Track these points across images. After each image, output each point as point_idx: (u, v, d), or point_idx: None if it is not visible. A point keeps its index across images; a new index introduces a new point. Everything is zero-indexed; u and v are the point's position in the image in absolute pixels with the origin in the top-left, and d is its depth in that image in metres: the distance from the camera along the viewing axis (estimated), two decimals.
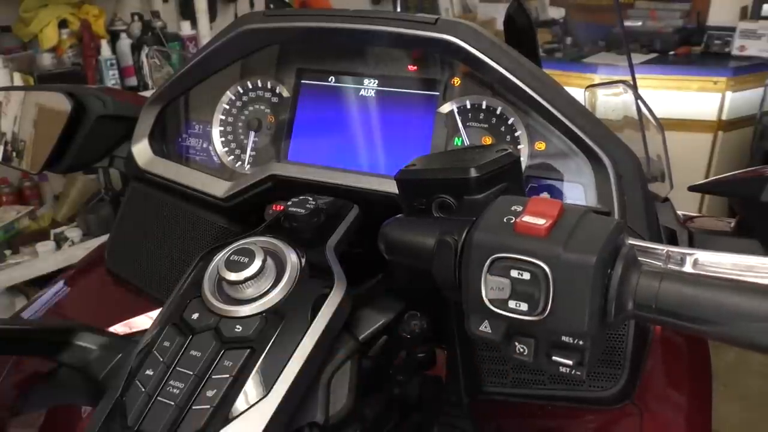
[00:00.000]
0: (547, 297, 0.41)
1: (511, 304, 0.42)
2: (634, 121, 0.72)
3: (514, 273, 0.42)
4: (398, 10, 3.08)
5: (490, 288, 0.43)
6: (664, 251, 0.45)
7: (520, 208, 0.44)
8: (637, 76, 2.94)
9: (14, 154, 0.90)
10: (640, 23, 3.49)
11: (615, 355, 0.63)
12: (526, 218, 0.43)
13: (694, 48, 3.42)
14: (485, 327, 0.45)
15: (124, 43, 2.81)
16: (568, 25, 3.61)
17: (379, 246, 0.54)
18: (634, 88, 0.71)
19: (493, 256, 0.43)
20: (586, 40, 3.48)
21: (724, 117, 2.99)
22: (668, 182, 0.71)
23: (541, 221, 0.42)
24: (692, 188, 0.71)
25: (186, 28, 3.04)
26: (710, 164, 3.04)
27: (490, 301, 0.43)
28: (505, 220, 0.44)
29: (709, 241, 0.67)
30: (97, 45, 2.68)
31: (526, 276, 0.42)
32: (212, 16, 3.15)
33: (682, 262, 0.44)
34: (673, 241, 0.68)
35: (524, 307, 0.42)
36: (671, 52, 3.33)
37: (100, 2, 2.79)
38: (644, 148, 0.70)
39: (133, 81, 2.83)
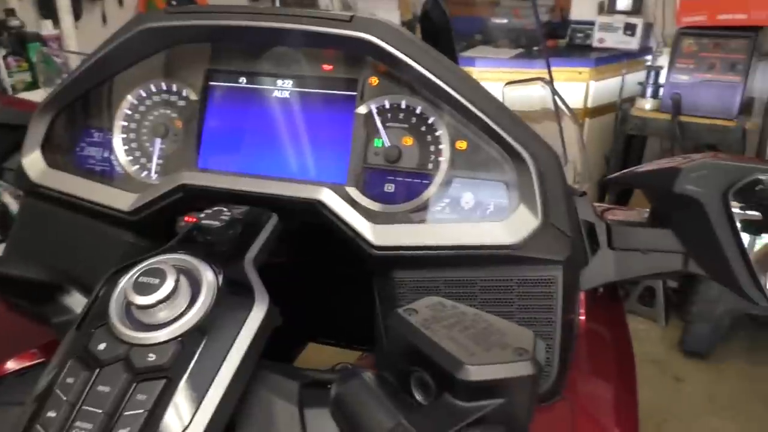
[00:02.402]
0: None
1: None
2: (550, 114, 0.73)
3: None
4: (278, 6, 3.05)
5: None
6: None
7: None
8: (507, 69, 3.09)
9: None
10: (506, 20, 3.68)
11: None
12: None
13: (560, 41, 3.69)
14: None
15: None
16: None
17: (332, 405, 0.49)
18: (551, 84, 0.73)
19: None
20: (464, 34, 3.62)
21: (589, 104, 3.22)
22: (586, 176, 0.73)
23: None
24: (607, 180, 0.74)
25: (47, 28, 2.83)
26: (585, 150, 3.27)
27: None
28: None
29: (627, 233, 0.70)
30: None
31: None
32: (77, 15, 2.97)
33: None
34: (592, 233, 0.70)
35: None
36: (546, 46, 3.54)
37: None
38: (562, 143, 0.72)
39: None
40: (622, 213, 0.74)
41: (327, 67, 0.71)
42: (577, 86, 3.18)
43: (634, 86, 3.19)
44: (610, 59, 3.31)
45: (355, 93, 0.70)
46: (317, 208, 0.67)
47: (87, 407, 0.45)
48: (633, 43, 3.38)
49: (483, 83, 0.65)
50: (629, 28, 3.38)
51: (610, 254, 0.71)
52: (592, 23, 3.52)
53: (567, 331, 0.65)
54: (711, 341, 2.70)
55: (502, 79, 0.80)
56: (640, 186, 0.76)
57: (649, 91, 3.00)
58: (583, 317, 0.73)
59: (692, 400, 2.51)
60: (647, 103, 2.99)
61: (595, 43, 3.47)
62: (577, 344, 0.69)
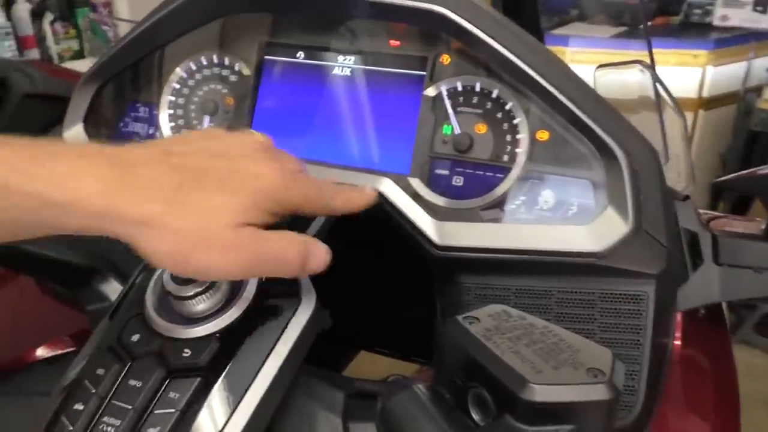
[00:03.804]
0: None
1: None
2: (648, 105, 0.72)
3: None
4: None
5: None
6: None
7: None
8: (606, 50, 3.00)
9: None
10: None
11: (628, 380, 0.63)
12: None
13: (672, 18, 3.53)
14: None
15: (22, 8, 2.72)
16: None
17: (378, 420, 0.50)
18: (652, 68, 0.71)
19: None
20: (556, 9, 3.56)
21: (705, 94, 3.10)
22: (690, 177, 0.71)
23: None
24: (719, 183, 0.72)
25: None
26: (690, 146, 3.16)
27: None
28: None
29: (737, 247, 0.68)
30: None
31: None
32: None
33: None
34: (694, 245, 0.68)
35: None
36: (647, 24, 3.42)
37: None
38: (662, 138, 0.71)
39: (34, 53, 2.74)
40: (734, 223, 0.72)
41: (394, 42, 0.72)
42: (691, 72, 3.07)
43: (761, 73, 3.06)
44: (734, 40, 3.17)
45: (424, 73, 0.70)
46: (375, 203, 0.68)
47: (116, 402, 0.47)
48: (764, 22, 3.23)
49: (577, 66, 0.64)
50: (760, 3, 3.23)
51: (715, 270, 0.69)
52: None
53: (657, 356, 0.64)
54: None
55: (599, 62, 0.79)
56: (758, 192, 0.73)
57: None
58: (678, 342, 0.71)
59: None
60: None
61: (716, 21, 3.33)
62: (670, 373, 0.68)
